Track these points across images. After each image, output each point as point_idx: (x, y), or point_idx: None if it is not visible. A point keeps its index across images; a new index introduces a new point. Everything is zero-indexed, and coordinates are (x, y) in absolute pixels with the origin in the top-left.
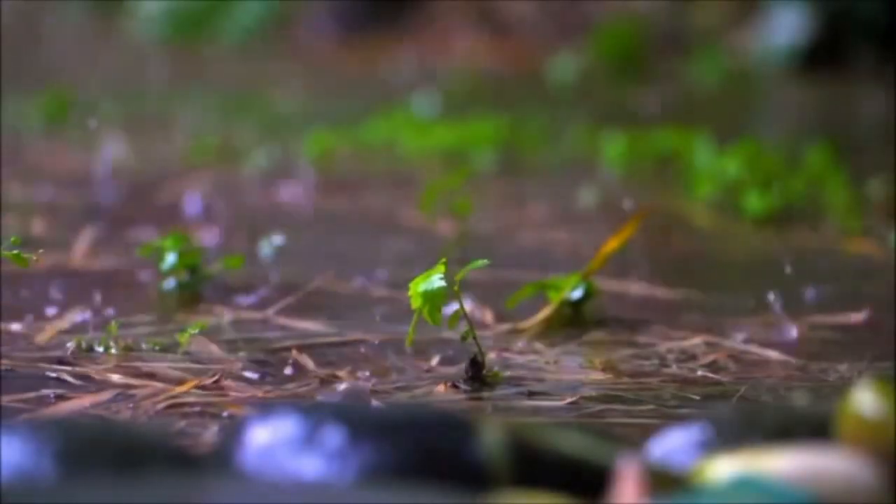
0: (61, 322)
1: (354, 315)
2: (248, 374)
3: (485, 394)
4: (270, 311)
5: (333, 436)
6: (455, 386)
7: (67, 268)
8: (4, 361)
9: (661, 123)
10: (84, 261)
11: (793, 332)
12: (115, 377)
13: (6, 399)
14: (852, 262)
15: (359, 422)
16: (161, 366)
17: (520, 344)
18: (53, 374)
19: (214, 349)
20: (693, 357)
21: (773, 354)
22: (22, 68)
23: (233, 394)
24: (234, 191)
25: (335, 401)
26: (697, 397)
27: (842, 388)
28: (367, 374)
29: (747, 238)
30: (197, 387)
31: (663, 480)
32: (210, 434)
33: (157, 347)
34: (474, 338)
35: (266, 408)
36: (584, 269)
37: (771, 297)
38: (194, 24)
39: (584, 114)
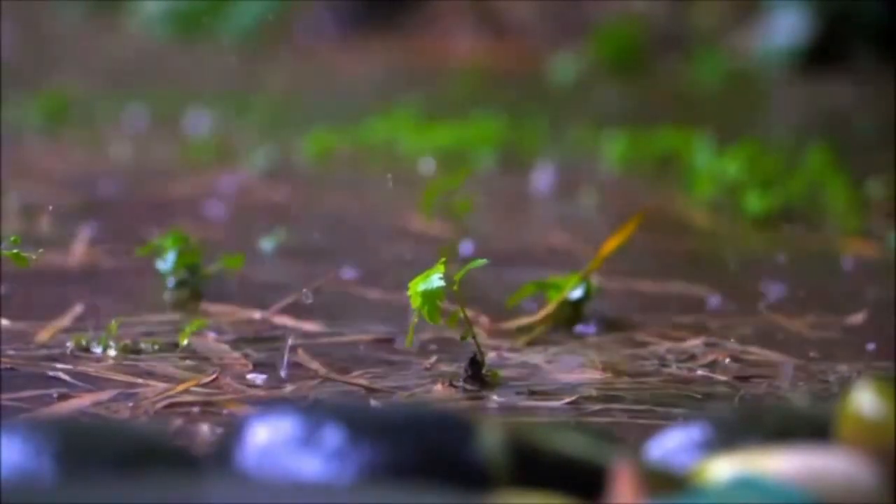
0: (61, 321)
1: (354, 315)
2: (248, 374)
3: (484, 394)
4: (270, 311)
5: (333, 435)
6: (454, 386)
7: (67, 267)
8: (4, 360)
9: (662, 123)
10: (83, 260)
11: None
12: (115, 376)
13: (6, 398)
14: (852, 262)
15: (358, 422)
16: (160, 365)
17: (519, 344)
18: (53, 374)
19: (214, 348)
20: (693, 357)
21: (772, 354)
22: (22, 67)
23: (232, 393)
24: (234, 190)
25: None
26: (697, 397)
27: (841, 388)
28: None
29: (747, 238)
30: (196, 386)
31: (663, 481)
32: (209, 433)
33: (156, 346)
34: (473, 337)
35: (265, 407)
36: (584, 269)
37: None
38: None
39: (585, 114)
